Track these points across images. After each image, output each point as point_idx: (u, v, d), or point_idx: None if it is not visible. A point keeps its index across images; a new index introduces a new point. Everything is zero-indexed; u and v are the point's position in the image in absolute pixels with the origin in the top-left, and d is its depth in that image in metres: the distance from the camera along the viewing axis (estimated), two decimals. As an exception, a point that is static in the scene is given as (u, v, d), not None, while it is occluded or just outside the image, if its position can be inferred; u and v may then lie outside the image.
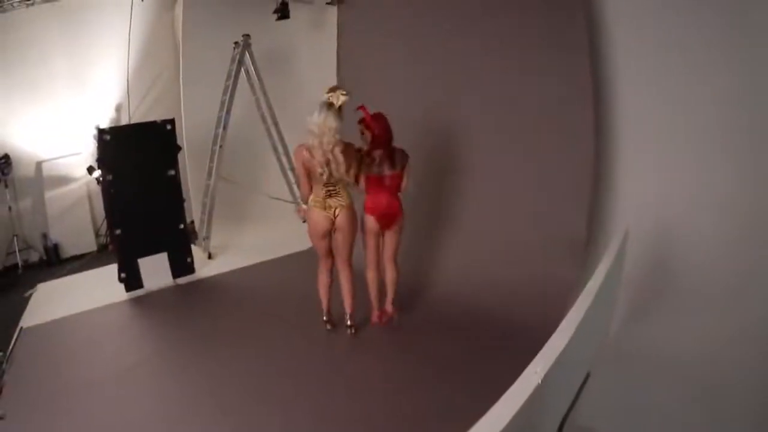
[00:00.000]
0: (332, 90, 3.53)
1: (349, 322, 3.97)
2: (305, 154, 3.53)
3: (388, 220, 3.82)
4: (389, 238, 3.93)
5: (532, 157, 4.24)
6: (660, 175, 3.67)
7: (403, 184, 3.85)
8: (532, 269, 4.04)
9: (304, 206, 3.86)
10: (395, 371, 3.46)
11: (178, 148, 5.66)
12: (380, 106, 3.90)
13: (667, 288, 3.50)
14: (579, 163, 3.88)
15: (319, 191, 3.65)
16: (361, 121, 3.73)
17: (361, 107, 3.69)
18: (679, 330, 3.22)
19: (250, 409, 3.16)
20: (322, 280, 3.98)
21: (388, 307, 4.08)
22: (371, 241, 3.89)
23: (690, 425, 2.53)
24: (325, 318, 4.09)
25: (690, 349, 3.03)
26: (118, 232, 5.26)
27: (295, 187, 6.60)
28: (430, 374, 3.34)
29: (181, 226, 5.64)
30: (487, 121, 4.56)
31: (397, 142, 3.85)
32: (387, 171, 3.72)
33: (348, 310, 3.96)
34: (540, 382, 1.33)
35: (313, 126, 3.44)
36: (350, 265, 3.90)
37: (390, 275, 4.01)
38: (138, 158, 5.30)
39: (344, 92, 3.51)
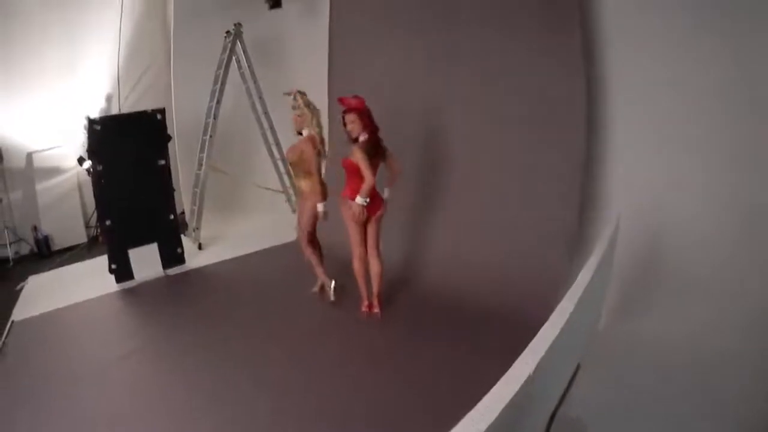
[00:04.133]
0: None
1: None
2: None
3: (374, 206, 3.84)
4: (371, 228, 3.95)
5: (522, 149, 4.22)
6: (650, 165, 3.70)
7: (397, 165, 3.90)
8: (523, 260, 4.03)
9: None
10: (383, 364, 3.43)
11: (169, 138, 5.59)
12: (371, 96, 3.89)
13: (658, 280, 3.53)
14: (570, 154, 3.88)
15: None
16: (345, 111, 3.77)
17: (340, 99, 3.84)
18: (670, 322, 3.24)
19: (243, 397, 3.15)
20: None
21: (374, 300, 4.07)
22: (357, 231, 3.90)
23: (680, 417, 2.51)
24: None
25: (680, 340, 3.05)
26: (108, 223, 5.20)
27: (285, 177, 6.57)
28: (419, 367, 3.30)
29: (171, 216, 5.58)
30: (478, 113, 4.53)
31: (387, 133, 3.86)
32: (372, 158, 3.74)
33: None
34: (531, 373, 1.31)
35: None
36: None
37: (375, 268, 4.01)
38: (128, 148, 5.23)
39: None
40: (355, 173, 3.75)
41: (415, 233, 4.94)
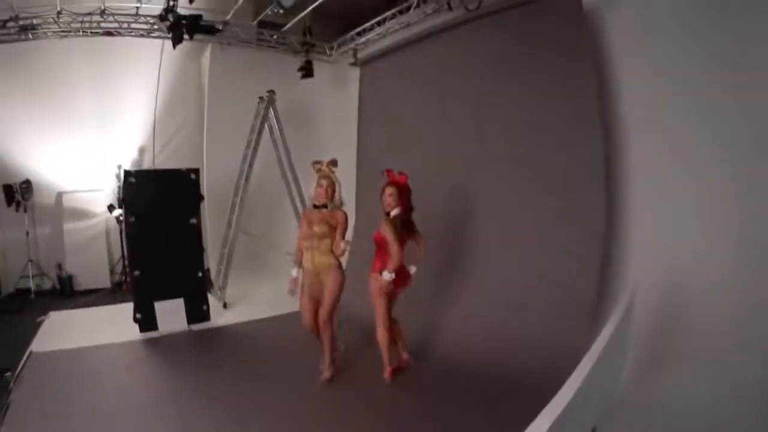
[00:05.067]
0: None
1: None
2: None
3: (401, 280, 3.95)
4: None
5: (543, 217, 4.45)
6: (668, 232, 3.83)
7: (423, 243, 4.12)
8: (541, 328, 4.13)
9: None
10: (398, 427, 3.50)
11: (201, 198, 5.91)
12: (397, 164, 4.19)
13: (676, 346, 3.59)
14: (589, 223, 4.07)
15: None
16: (387, 183, 3.99)
17: (388, 171, 4.07)
18: (688, 385, 3.28)
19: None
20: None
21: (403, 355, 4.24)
22: (383, 303, 3.95)
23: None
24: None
25: (698, 404, 3.09)
26: (137, 273, 5.44)
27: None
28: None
29: (200, 273, 5.81)
30: (500, 181, 4.83)
31: (414, 199, 4.08)
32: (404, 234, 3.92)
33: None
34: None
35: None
36: None
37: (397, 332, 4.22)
38: (162, 203, 5.51)
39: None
40: (385, 247, 3.88)
41: (434, 301, 5.05)
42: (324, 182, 3.86)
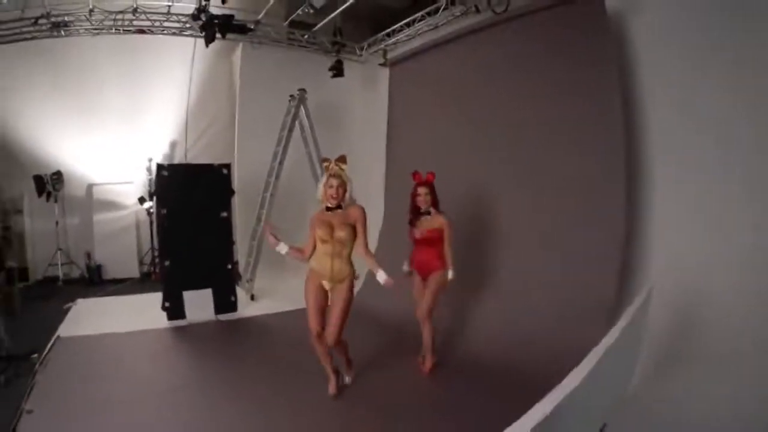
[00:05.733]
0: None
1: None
2: None
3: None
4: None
5: (564, 219, 4.48)
6: (688, 237, 3.84)
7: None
8: (562, 329, 4.12)
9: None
10: (428, 417, 3.49)
11: (232, 192, 6.02)
12: (425, 163, 4.25)
13: (690, 349, 3.59)
14: (609, 226, 4.09)
15: None
16: (420, 184, 4.08)
17: (415, 173, 4.14)
18: (703, 386, 3.28)
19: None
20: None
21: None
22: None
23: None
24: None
25: (712, 405, 3.09)
26: (167, 263, 5.55)
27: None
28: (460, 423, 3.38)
29: (229, 265, 5.92)
30: (523, 182, 4.87)
31: (442, 202, 4.16)
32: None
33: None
34: (548, 413, 1.40)
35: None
36: None
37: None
38: (193, 197, 5.62)
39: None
40: (437, 244, 4.04)
41: (458, 301, 5.04)
42: (335, 182, 3.48)
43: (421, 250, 4.12)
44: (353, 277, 3.64)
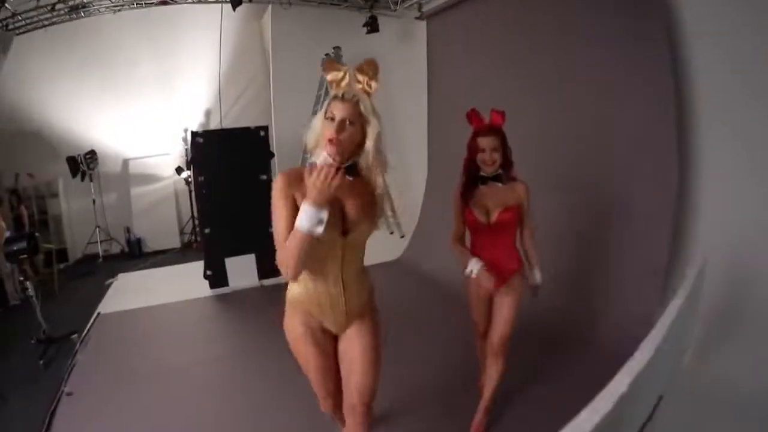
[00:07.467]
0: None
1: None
2: None
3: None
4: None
5: (616, 179, 4.14)
6: (741, 205, 3.56)
7: None
8: (615, 295, 3.93)
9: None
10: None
11: (271, 154, 5.81)
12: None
13: (744, 319, 3.37)
14: (663, 191, 3.77)
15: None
16: (483, 133, 2.50)
17: (471, 114, 2.62)
18: (757, 362, 3.10)
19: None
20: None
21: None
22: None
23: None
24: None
25: (763, 388, 2.92)
26: (207, 230, 5.43)
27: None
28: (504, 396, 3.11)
29: (270, 229, 5.69)
30: (573, 141, 4.51)
31: None
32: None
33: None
34: (625, 392, 1.27)
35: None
36: None
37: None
38: (231, 161, 5.45)
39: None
40: (500, 231, 2.54)
41: None
42: (342, 112, 1.68)
43: (489, 242, 2.54)
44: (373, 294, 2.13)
